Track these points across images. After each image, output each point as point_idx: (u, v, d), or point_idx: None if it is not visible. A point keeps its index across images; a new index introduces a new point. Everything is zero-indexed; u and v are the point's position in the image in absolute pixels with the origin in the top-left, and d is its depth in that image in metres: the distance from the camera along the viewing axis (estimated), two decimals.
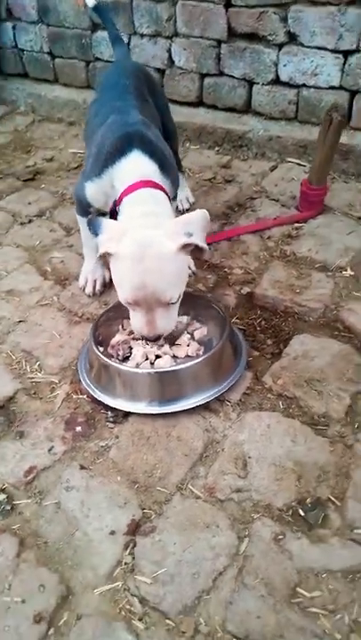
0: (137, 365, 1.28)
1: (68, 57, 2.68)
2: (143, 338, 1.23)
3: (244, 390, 1.27)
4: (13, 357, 1.39)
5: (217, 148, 2.36)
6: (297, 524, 0.99)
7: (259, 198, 2.02)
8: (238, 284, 1.62)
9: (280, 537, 0.97)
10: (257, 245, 1.77)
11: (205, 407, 1.23)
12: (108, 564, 0.95)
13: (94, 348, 1.27)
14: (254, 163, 2.25)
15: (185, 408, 1.20)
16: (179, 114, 2.43)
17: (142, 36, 2.37)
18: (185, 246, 1.16)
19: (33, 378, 1.33)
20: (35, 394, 1.30)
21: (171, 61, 2.36)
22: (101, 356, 1.25)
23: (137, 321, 1.19)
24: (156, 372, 1.23)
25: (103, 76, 1.57)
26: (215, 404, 1.24)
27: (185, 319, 1.43)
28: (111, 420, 1.22)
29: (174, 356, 1.31)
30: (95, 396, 1.25)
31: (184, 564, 0.94)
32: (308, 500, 1.03)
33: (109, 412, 1.23)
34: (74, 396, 1.28)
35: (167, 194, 1.29)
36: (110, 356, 1.31)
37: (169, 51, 2.34)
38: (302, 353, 1.36)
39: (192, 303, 1.42)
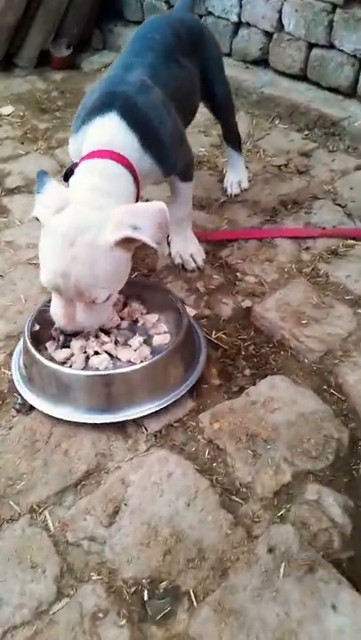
0: (69, 357, 1.12)
1: None
2: (60, 330, 1.06)
3: (172, 422, 1.06)
4: None
5: (306, 132, 2.02)
6: (130, 607, 0.79)
7: (323, 199, 1.69)
8: (243, 294, 1.36)
9: (100, 615, 0.78)
10: (288, 255, 1.47)
11: (118, 426, 1.04)
12: None
13: (25, 329, 1.13)
14: (340, 157, 1.88)
15: (89, 421, 1.03)
16: (276, 86, 2.14)
17: None
18: (126, 240, 0.96)
19: None
20: None
21: (280, 25, 2.04)
22: (27, 339, 1.10)
23: (55, 309, 1.03)
24: (76, 374, 1.06)
25: (140, 27, 1.36)
26: (131, 427, 1.05)
27: (154, 318, 1.24)
28: (17, 407, 1.09)
29: (115, 357, 1.14)
30: (12, 376, 1.13)
31: None
32: (163, 585, 0.82)
33: (20, 398, 1.10)
34: (2, 369, 1.17)
35: (134, 172, 1.08)
36: (51, 338, 1.17)
37: (280, 12, 2.01)
38: (266, 399, 1.09)
39: (157, 298, 1.24)
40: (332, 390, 1.12)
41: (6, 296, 1.36)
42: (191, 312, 1.31)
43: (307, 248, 1.49)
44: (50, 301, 1.06)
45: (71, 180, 1.06)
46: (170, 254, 1.45)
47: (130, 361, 1.12)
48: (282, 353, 1.22)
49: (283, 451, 1.00)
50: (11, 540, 0.86)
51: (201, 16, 2.41)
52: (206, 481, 0.95)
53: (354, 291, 1.35)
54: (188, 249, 1.42)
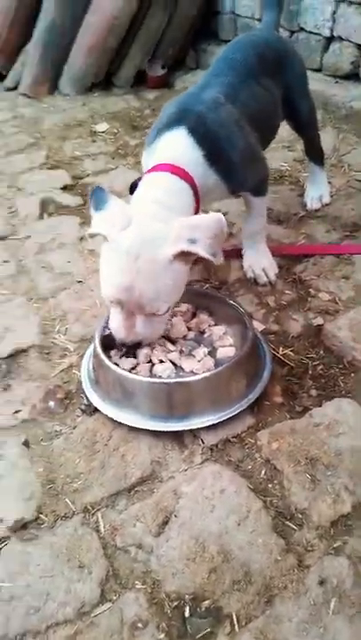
0: (134, 367, 1.14)
1: None
2: (120, 342, 1.08)
3: (229, 436, 1.03)
4: (51, 314, 1.39)
5: None
6: (170, 622, 0.78)
7: None
8: (315, 311, 1.32)
9: (139, 625, 0.77)
10: None
11: (175, 435, 1.04)
12: None
13: (96, 333, 1.17)
14: None
15: (149, 428, 1.04)
16: None
17: (350, 3, 2.02)
18: (184, 253, 0.97)
19: (55, 339, 1.31)
20: (47, 354, 1.27)
21: None
22: (97, 343, 1.14)
23: (115, 321, 1.06)
24: (140, 380, 1.07)
25: (225, 47, 1.37)
26: (188, 438, 1.04)
27: (221, 330, 1.23)
28: (82, 408, 1.12)
29: (179, 367, 1.14)
30: (81, 378, 1.17)
31: (22, 594, 0.82)
32: (206, 604, 0.79)
33: (86, 400, 1.14)
34: (73, 370, 1.22)
35: (194, 186, 1.10)
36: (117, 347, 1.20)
37: None
38: (330, 423, 1.04)
39: (225, 310, 1.24)
40: None
41: (84, 300, 1.42)
42: (259, 327, 1.29)
43: None
44: None
45: (137, 190, 1.10)
46: (242, 267, 1.44)
47: (193, 371, 1.12)
48: (352, 375, 1.16)
49: (344, 479, 0.94)
50: (63, 538, 0.89)
51: (292, 32, 2.39)
52: (260, 501, 0.92)
53: None
54: (260, 263, 1.40)
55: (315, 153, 1.63)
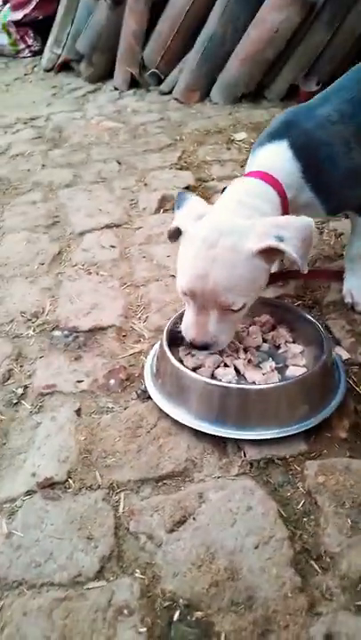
0: (198, 367, 1.12)
1: None
2: (190, 344, 1.04)
3: (275, 457, 0.97)
4: (139, 303, 1.43)
5: None
6: (156, 619, 0.74)
7: None
8: None
9: (125, 612, 0.75)
10: None
11: (218, 441, 1.00)
12: None
13: (167, 325, 1.17)
14: None
15: (193, 426, 1.01)
16: None
17: None
18: (269, 251, 0.93)
19: (133, 324, 1.35)
20: (123, 337, 1.31)
21: None
22: (165, 333, 1.14)
23: (188, 319, 1.03)
24: (195, 378, 1.05)
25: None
26: (231, 447, 0.99)
27: (298, 349, 1.16)
28: (138, 392, 1.13)
29: (241, 374, 1.10)
30: (145, 364, 1.18)
31: (29, 547, 0.84)
32: (198, 614, 0.75)
33: (143, 385, 1.15)
34: (142, 356, 1.24)
35: (283, 197, 1.06)
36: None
37: None
38: None
39: (308, 331, 1.17)
40: None
41: (170, 294, 1.44)
42: (344, 355, 1.19)
43: None
44: None
45: (224, 193, 1.08)
46: (341, 290, 1.34)
47: (254, 382, 1.08)
48: None
49: None
50: (82, 506, 0.90)
51: None
52: (287, 531, 0.84)
53: None
54: None
55: None
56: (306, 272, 0.94)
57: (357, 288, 1.30)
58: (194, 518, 0.87)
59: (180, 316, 1.20)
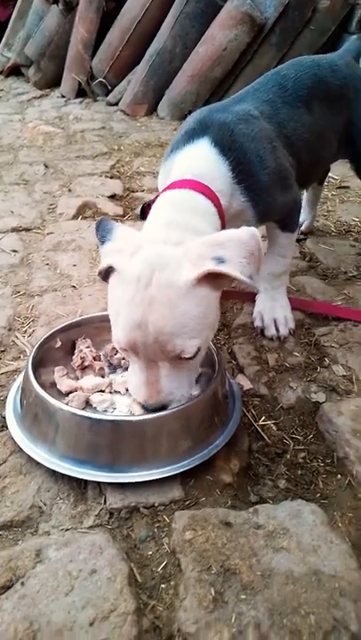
0: (74, 391, 0.96)
1: None
2: (143, 406, 0.86)
3: (140, 505, 0.80)
4: (27, 315, 1.24)
5: None
6: None
7: None
8: (320, 384, 1.06)
9: None
10: None
11: (78, 483, 0.83)
12: None
13: (35, 347, 0.98)
14: None
15: (46, 464, 0.84)
16: None
17: None
18: (211, 277, 0.78)
19: (16, 338, 1.17)
20: (1, 352, 1.13)
21: None
22: (29, 362, 0.94)
23: (133, 378, 0.85)
24: (60, 410, 0.86)
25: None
26: (93, 490, 0.82)
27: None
28: None
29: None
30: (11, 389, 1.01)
31: None
32: None
33: (5, 412, 0.97)
34: (15, 376, 1.06)
35: (219, 205, 0.91)
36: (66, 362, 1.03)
37: None
38: (275, 530, 0.77)
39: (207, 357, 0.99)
40: None
41: (66, 306, 1.27)
42: (246, 385, 1.05)
43: None
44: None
45: (150, 212, 0.92)
46: (252, 314, 1.21)
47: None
48: (338, 477, 0.88)
49: (260, 612, 0.67)
50: None
51: None
52: (135, 603, 0.67)
53: None
54: (273, 312, 1.17)
55: None
56: (262, 290, 0.78)
57: (269, 310, 1.17)
58: (22, 583, 0.69)
59: (61, 330, 1.05)
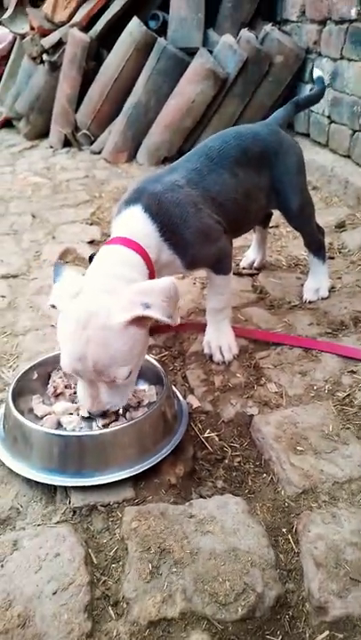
0: (48, 414, 1.17)
1: (340, 123, 2.53)
2: (88, 413, 1.10)
3: (99, 504, 1.00)
4: (12, 352, 1.46)
5: None
6: None
7: None
8: (255, 400, 1.25)
9: None
10: (327, 373, 1.31)
11: (50, 489, 1.03)
12: None
13: (14, 380, 1.20)
14: None
15: (19, 472, 1.04)
16: None
17: None
18: (139, 318, 1.00)
19: (2, 373, 1.38)
20: None
21: None
22: (10, 393, 1.15)
23: (80, 392, 1.08)
24: (35, 430, 1.06)
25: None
26: (62, 494, 1.02)
27: (152, 390, 1.22)
28: None
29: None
30: None
31: None
32: None
33: None
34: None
35: (147, 259, 1.14)
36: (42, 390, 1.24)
37: None
38: (205, 518, 0.96)
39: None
40: (289, 536, 0.94)
41: (46, 344, 1.48)
42: (195, 403, 1.26)
43: (352, 371, 1.31)
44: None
45: (91, 264, 1.15)
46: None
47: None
48: (264, 475, 1.08)
49: (186, 581, 0.86)
50: None
51: (355, 131, 2.42)
52: (88, 577, 0.87)
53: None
54: (218, 341, 1.38)
55: (313, 245, 1.61)
56: (177, 324, 1.02)
57: (216, 340, 1.39)
58: (2, 566, 0.89)
59: (39, 364, 1.26)
